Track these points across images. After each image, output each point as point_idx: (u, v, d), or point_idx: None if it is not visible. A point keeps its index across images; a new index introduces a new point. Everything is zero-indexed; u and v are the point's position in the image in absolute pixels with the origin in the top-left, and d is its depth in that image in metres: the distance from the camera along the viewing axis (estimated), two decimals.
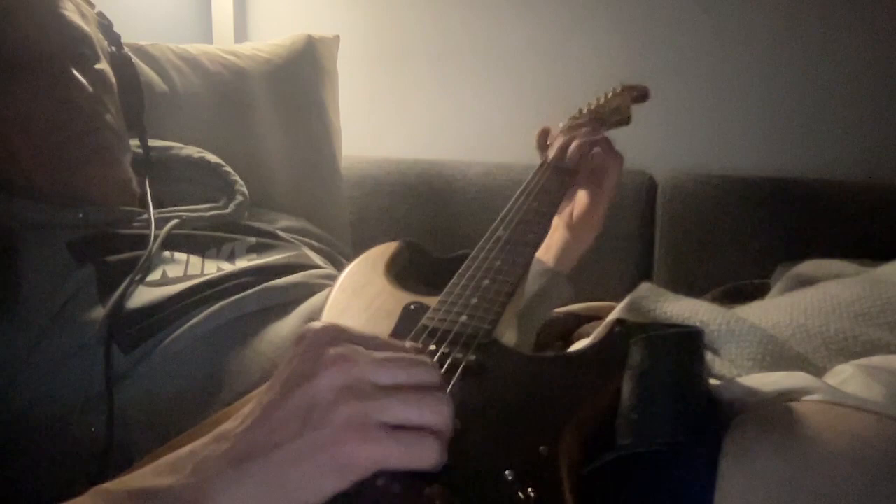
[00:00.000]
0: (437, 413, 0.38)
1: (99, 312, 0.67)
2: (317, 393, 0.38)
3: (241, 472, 0.37)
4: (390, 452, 0.37)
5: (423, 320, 0.55)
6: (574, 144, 0.87)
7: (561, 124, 0.96)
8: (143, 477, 0.39)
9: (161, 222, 0.77)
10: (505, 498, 0.41)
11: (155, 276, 0.72)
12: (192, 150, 0.93)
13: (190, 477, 0.37)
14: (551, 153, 0.87)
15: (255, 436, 0.38)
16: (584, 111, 0.98)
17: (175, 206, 0.83)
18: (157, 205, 0.79)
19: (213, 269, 0.76)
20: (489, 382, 0.50)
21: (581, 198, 0.90)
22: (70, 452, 0.64)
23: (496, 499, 0.42)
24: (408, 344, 0.45)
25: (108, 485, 0.39)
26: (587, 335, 0.82)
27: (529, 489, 0.41)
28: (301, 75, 1.25)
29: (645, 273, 1.27)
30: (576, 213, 0.90)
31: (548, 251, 0.89)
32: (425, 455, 0.37)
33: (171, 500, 0.36)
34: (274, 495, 0.36)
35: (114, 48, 0.84)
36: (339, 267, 0.86)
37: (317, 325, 0.41)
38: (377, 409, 0.37)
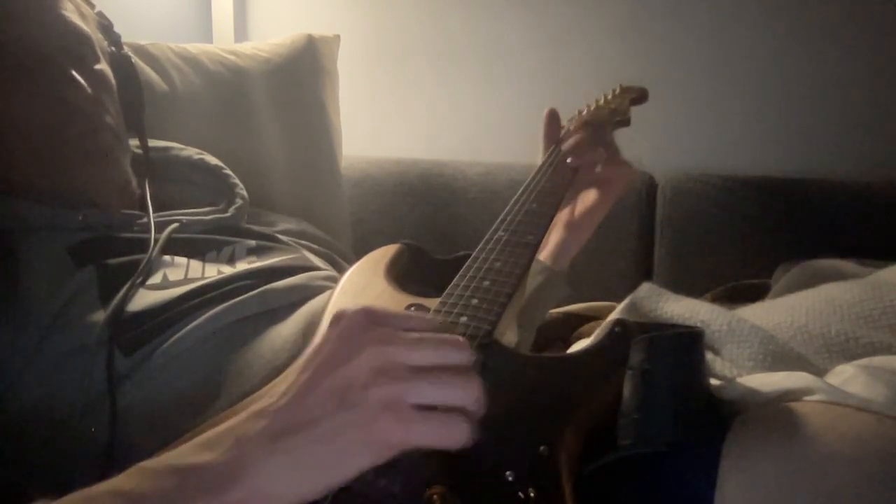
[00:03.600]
0: (465, 394, 0.40)
1: (100, 315, 0.67)
2: (352, 375, 0.39)
3: (279, 447, 0.38)
4: (420, 432, 0.38)
5: None
6: (585, 150, 0.85)
7: None
8: (182, 454, 0.40)
9: (161, 226, 0.77)
10: (506, 498, 0.41)
11: (156, 279, 0.72)
12: (192, 152, 0.93)
13: (229, 452, 0.39)
14: (563, 146, 0.88)
15: (293, 412, 0.39)
16: (584, 113, 0.98)
17: (175, 208, 0.83)
18: (157, 206, 0.79)
19: (214, 272, 0.75)
20: (490, 383, 0.49)
21: (585, 198, 0.90)
22: (72, 454, 0.64)
23: (497, 499, 0.42)
24: (439, 319, 0.46)
25: (148, 462, 0.40)
26: (587, 335, 0.82)
27: (530, 489, 0.41)
28: (301, 75, 1.25)
29: (645, 273, 1.27)
30: (578, 211, 0.90)
31: (544, 249, 0.89)
32: (453, 435, 0.38)
33: (212, 476, 0.38)
34: (309, 469, 0.38)
35: (113, 48, 0.84)
36: (339, 269, 0.86)
37: (352, 308, 0.43)
38: (408, 391, 0.39)
